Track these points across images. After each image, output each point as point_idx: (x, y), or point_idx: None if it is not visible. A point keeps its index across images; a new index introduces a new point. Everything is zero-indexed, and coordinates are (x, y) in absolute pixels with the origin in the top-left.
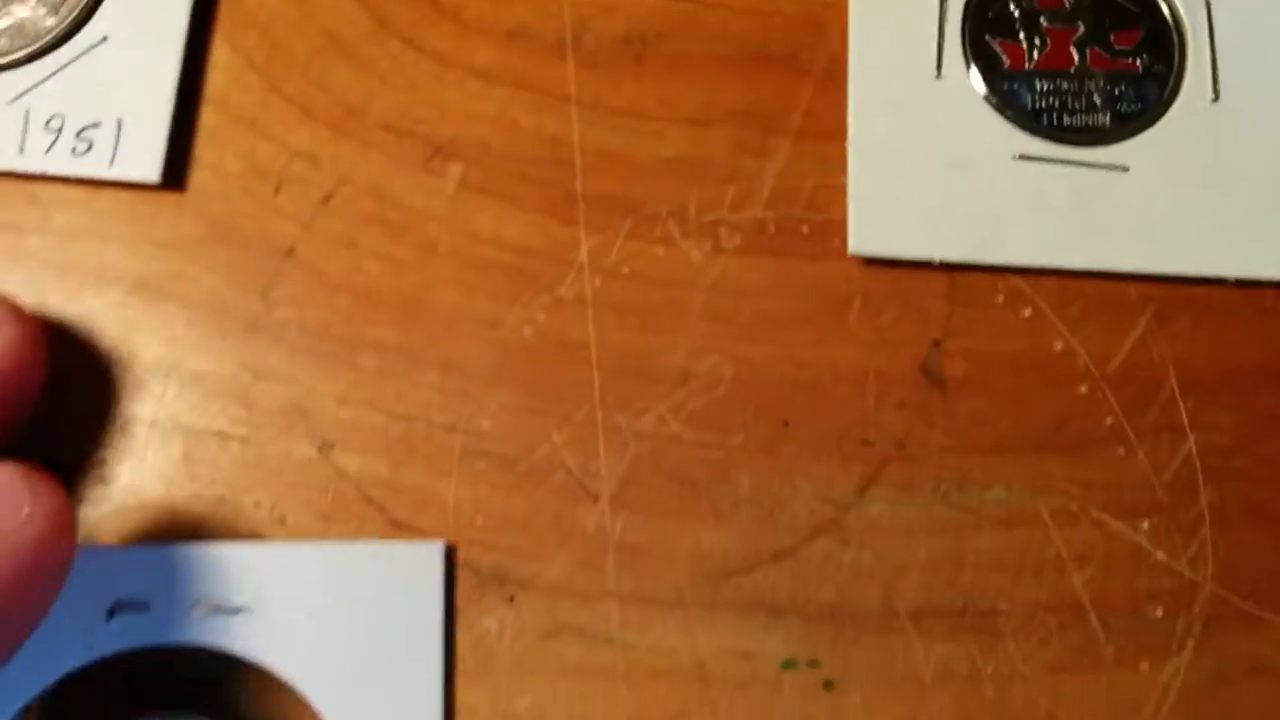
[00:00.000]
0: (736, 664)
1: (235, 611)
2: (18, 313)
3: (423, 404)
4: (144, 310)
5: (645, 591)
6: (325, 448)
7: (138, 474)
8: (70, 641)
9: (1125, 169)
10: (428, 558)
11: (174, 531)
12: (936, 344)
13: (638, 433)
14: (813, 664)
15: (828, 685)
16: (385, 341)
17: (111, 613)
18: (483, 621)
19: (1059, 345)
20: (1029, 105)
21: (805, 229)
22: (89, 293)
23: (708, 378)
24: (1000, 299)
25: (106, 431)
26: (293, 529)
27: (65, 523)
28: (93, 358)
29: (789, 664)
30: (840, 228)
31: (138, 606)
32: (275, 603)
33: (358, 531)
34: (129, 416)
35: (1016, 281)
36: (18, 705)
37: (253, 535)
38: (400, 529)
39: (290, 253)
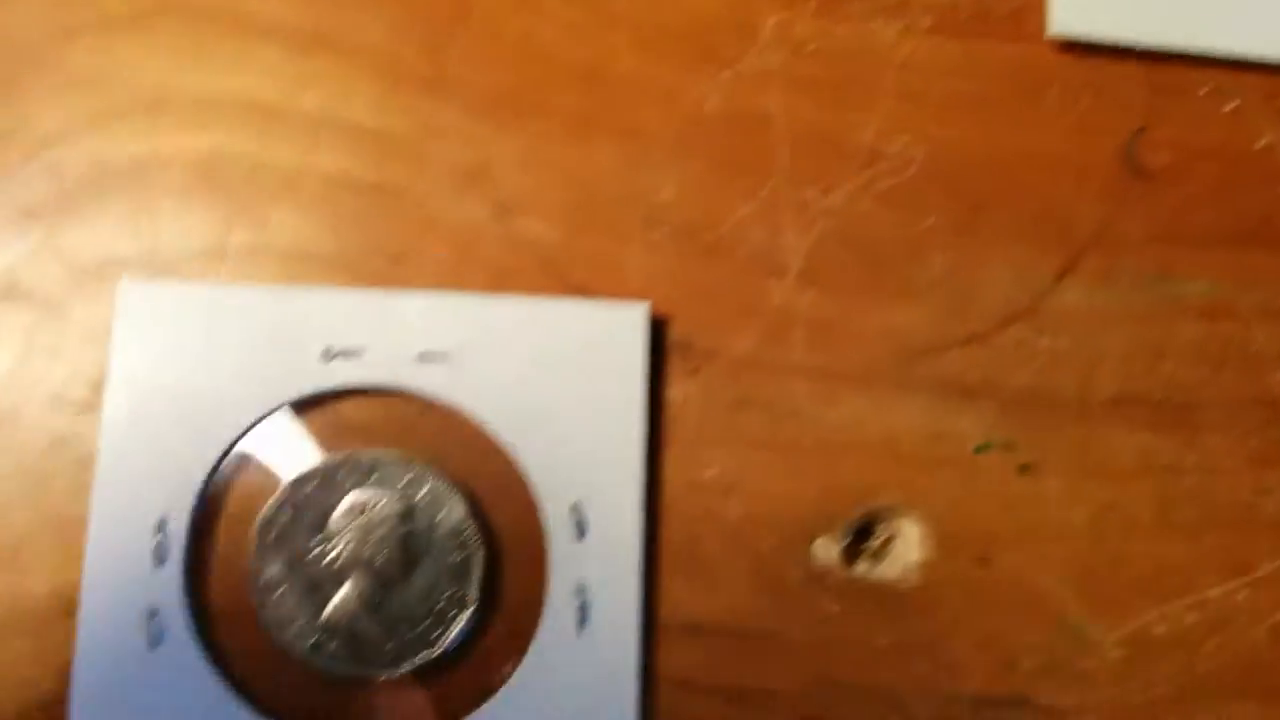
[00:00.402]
0: (929, 443)
1: (442, 359)
2: None
3: (604, 170)
4: (317, 64)
5: (833, 367)
6: (503, 210)
7: (312, 226)
8: (290, 377)
9: None
10: (631, 319)
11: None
12: (1138, 133)
13: (826, 209)
14: (1008, 447)
15: (1024, 469)
16: (564, 107)
17: (328, 356)
18: (666, 392)
19: (1263, 141)
20: None
21: (1001, 10)
22: (261, 44)
23: (899, 158)
24: (1204, 91)
25: (272, 185)
26: (467, 290)
27: None
28: (262, 111)
29: (984, 447)
30: (1037, 11)
31: (352, 352)
32: (476, 352)
33: (535, 295)
34: (300, 169)
35: (1221, 74)
36: (235, 434)
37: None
38: (579, 295)
39: (467, 13)
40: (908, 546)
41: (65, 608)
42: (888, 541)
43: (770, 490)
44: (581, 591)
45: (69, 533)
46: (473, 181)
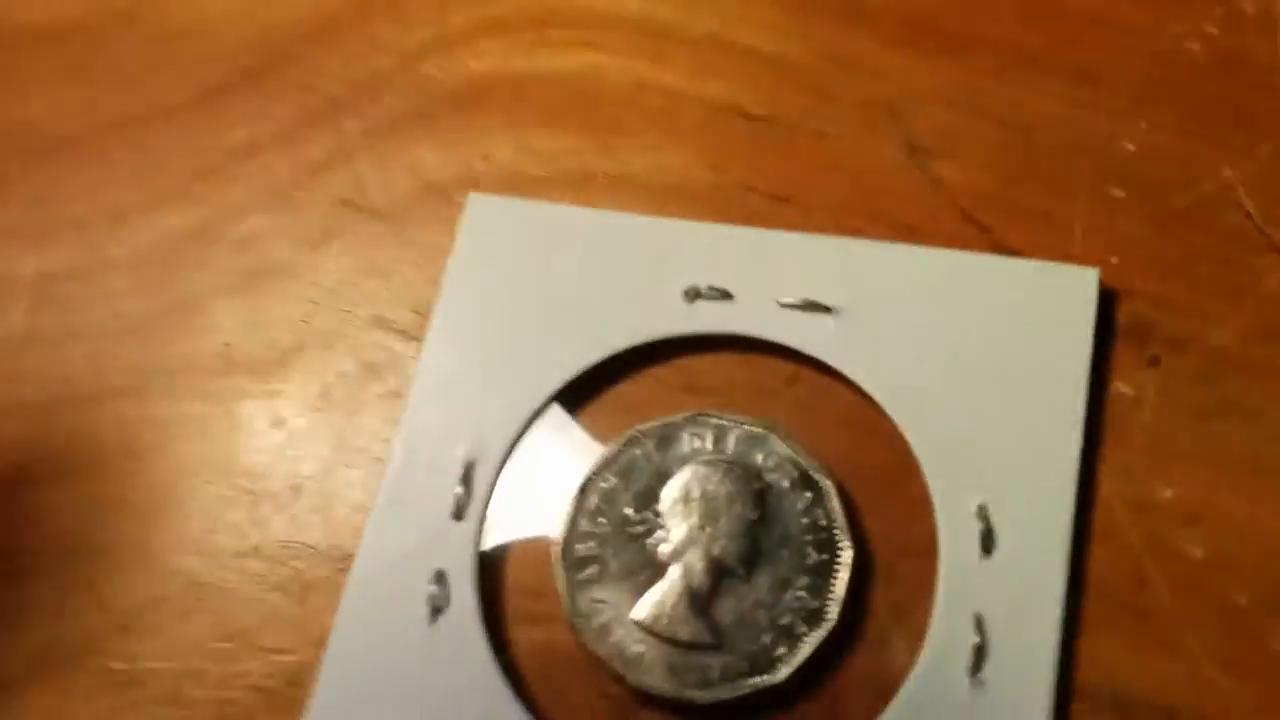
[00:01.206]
0: None
1: (829, 313)
2: None
3: (1047, 115)
4: None
5: None
6: (918, 153)
7: (689, 158)
8: (644, 316)
9: None
10: (1077, 287)
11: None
12: None
13: None
14: None
15: None
16: (1001, 39)
17: (693, 296)
18: (1114, 384)
19: None
20: None
21: None
22: None
23: None
24: None
25: (652, 111)
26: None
27: None
28: (651, 30)
29: None
30: None
31: (722, 293)
32: (872, 307)
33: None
34: (684, 95)
35: None
36: (568, 376)
37: None
38: (1006, 255)
39: None
40: None
41: (335, 561)
42: None
43: (1252, 528)
44: (980, 627)
45: (355, 477)
46: (883, 118)
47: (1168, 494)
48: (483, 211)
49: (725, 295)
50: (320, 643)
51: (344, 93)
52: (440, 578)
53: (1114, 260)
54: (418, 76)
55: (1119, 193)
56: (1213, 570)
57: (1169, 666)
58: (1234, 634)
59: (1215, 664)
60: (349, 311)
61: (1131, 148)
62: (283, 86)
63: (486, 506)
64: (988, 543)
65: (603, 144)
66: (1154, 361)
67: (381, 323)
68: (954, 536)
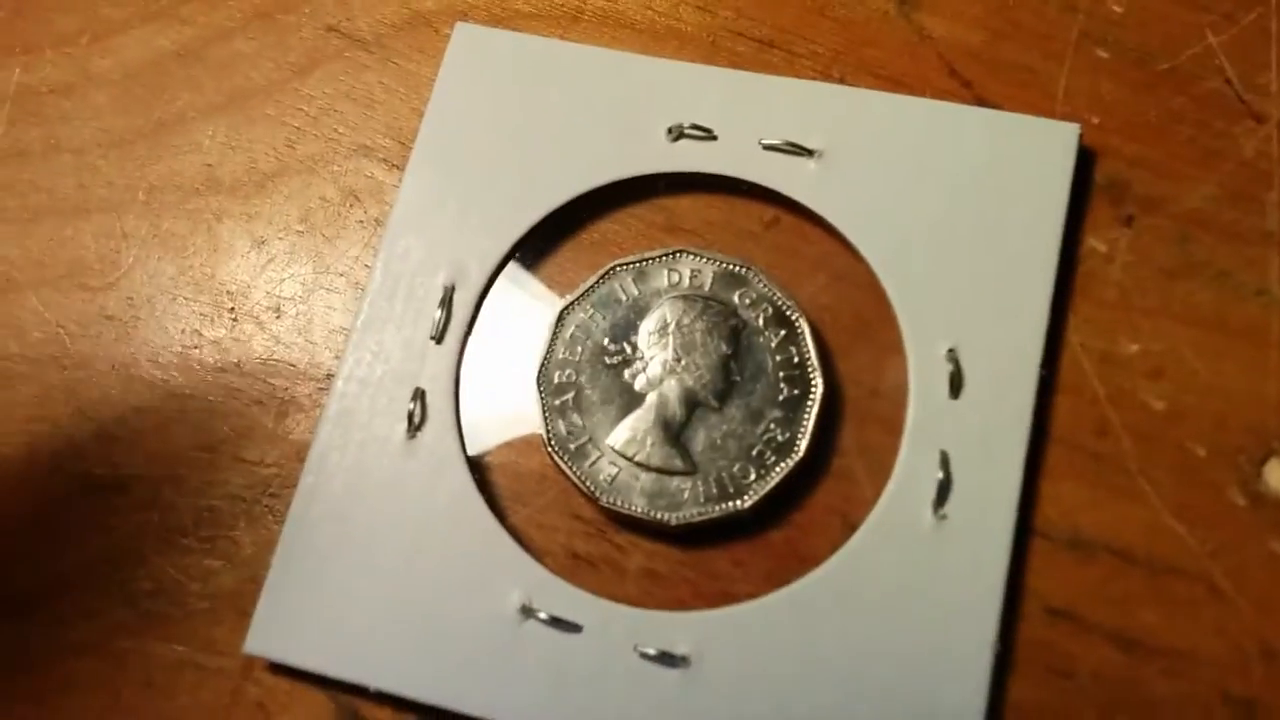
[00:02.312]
0: None
1: (811, 156)
2: None
3: None
4: None
5: None
6: (907, 4)
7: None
8: (626, 152)
9: None
10: (1056, 141)
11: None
12: None
13: None
14: None
15: None
16: None
17: (676, 135)
18: (1088, 240)
19: None
20: None
21: None
22: None
23: None
24: None
25: None
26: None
27: None
28: None
29: None
30: None
31: (704, 133)
32: (854, 153)
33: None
34: None
35: None
36: (549, 208)
37: None
38: (990, 109)
39: None
40: None
41: (315, 380)
42: None
43: (1214, 385)
44: (945, 463)
45: (336, 300)
46: None
47: (1133, 348)
48: (469, 42)
49: (709, 135)
50: (299, 457)
51: None
52: (419, 396)
53: (1095, 120)
54: None
55: (1103, 54)
56: (1173, 422)
57: (1127, 511)
58: (1190, 483)
59: (1171, 511)
60: (332, 139)
61: (1119, 9)
62: None
63: (467, 331)
64: (956, 384)
65: None
66: (1128, 220)
67: (364, 150)
68: (923, 378)
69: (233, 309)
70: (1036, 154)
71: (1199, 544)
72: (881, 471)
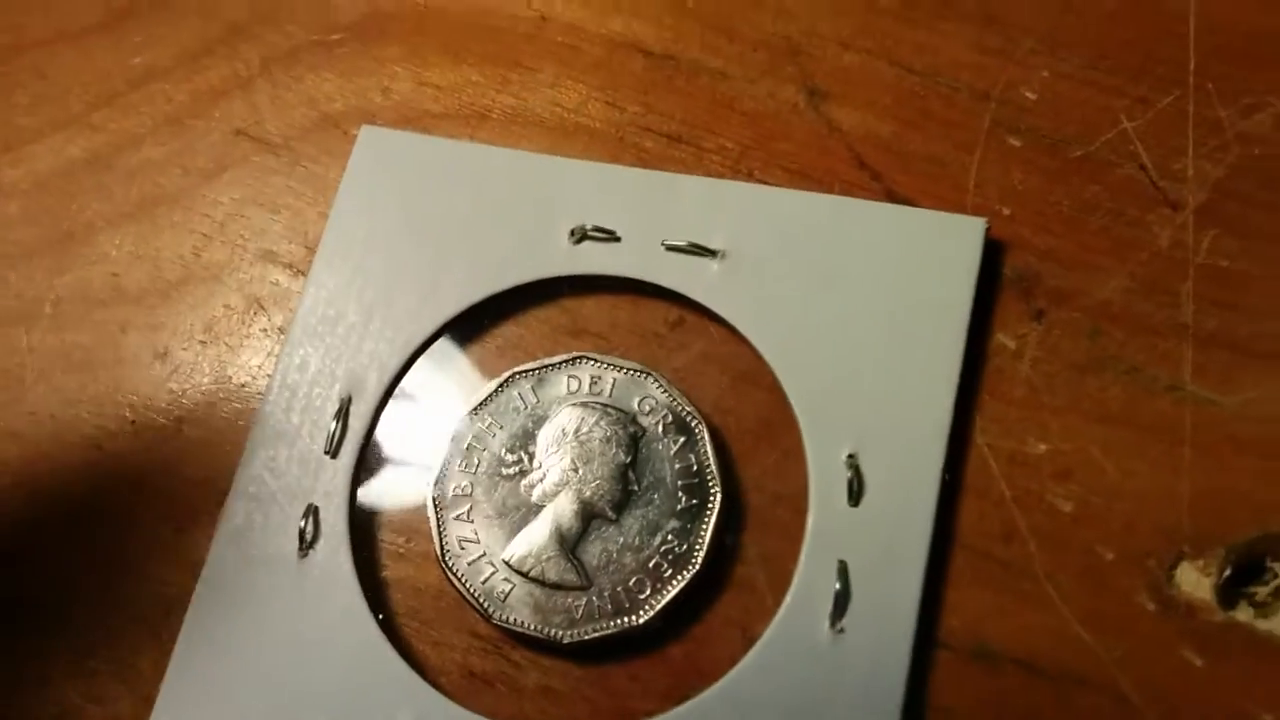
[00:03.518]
0: None
1: (710, 254)
2: None
3: (950, 61)
4: None
5: (1237, 335)
6: (817, 96)
7: (586, 96)
8: (529, 255)
9: None
10: (962, 236)
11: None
12: None
13: (1244, 133)
14: None
15: None
16: None
17: (580, 237)
18: (996, 336)
19: None
20: None
21: None
22: None
23: None
24: None
25: (551, 45)
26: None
27: None
28: None
29: None
30: None
31: (608, 235)
32: (757, 252)
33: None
34: (585, 30)
35: None
36: (450, 314)
37: None
38: (898, 204)
39: None
40: None
41: (215, 495)
42: None
43: (1124, 486)
44: (844, 574)
45: (238, 412)
46: (784, 59)
47: (1042, 448)
48: (375, 144)
49: (612, 236)
50: (196, 575)
51: (246, 18)
52: (311, 512)
53: (1006, 211)
54: (320, 4)
55: (1016, 141)
56: (1081, 525)
57: (1034, 619)
58: (1099, 589)
59: (1079, 618)
60: (238, 245)
61: (1032, 96)
62: (185, 10)
63: (364, 444)
64: (855, 491)
65: (502, 79)
66: (1038, 315)
67: (270, 257)
68: (823, 484)
69: (134, 422)
70: (942, 249)
71: (1106, 652)
72: (782, 581)
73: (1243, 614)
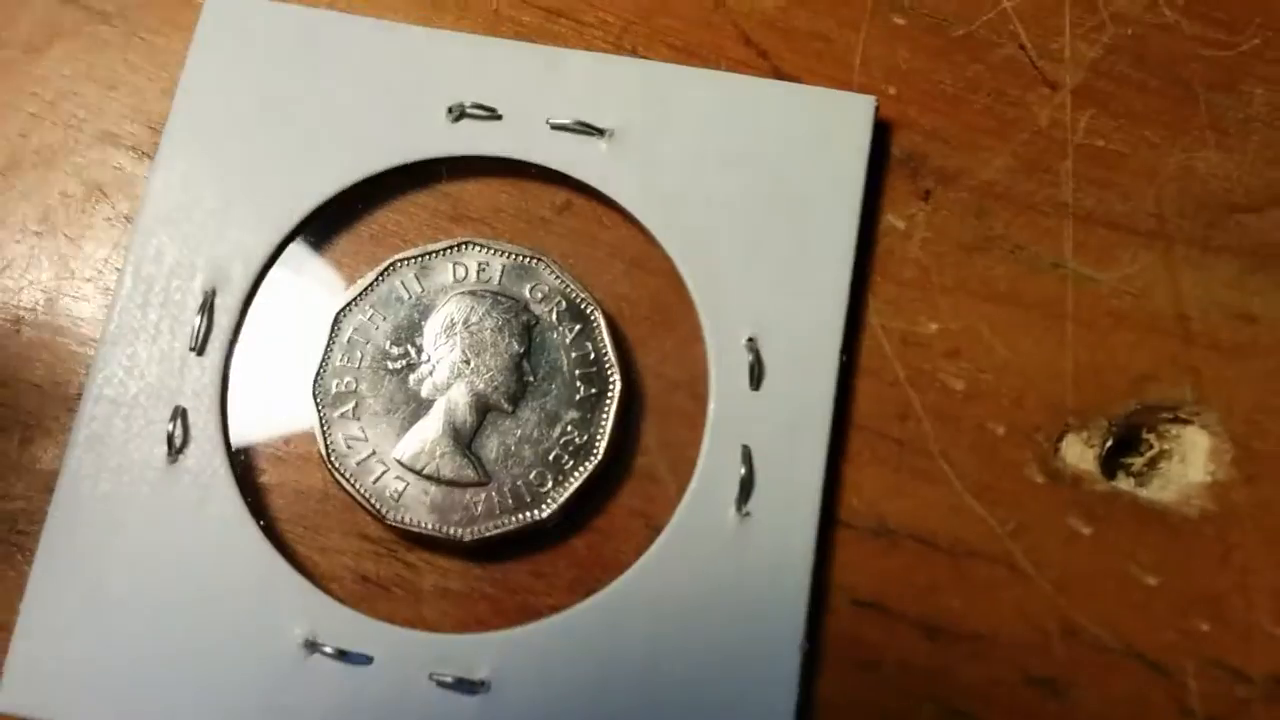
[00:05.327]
0: (1233, 326)
1: (602, 136)
2: None
3: None
4: None
5: (1113, 213)
6: None
7: None
8: (403, 135)
9: None
10: (852, 115)
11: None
12: None
13: (1118, 13)
14: None
15: None
16: None
17: (458, 115)
18: (886, 217)
19: None
20: None
21: None
22: None
23: None
24: None
25: None
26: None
27: None
28: None
29: None
30: None
31: (488, 112)
32: (647, 131)
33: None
34: None
35: None
36: (318, 200)
37: None
38: (785, 82)
39: None
40: (1192, 460)
41: (63, 401)
42: (1163, 453)
43: (1011, 362)
44: (747, 458)
45: (84, 309)
46: None
47: (933, 327)
48: (224, 12)
49: (493, 114)
50: (49, 488)
51: None
52: (179, 414)
53: (891, 90)
54: None
55: (900, 20)
56: (972, 402)
57: (929, 495)
58: (990, 464)
59: (972, 492)
60: (72, 126)
61: None
62: None
63: (232, 340)
64: (756, 375)
65: None
66: (925, 195)
67: (109, 138)
68: (724, 369)
69: None
70: (833, 129)
71: (999, 525)
72: (685, 469)
73: (1124, 483)
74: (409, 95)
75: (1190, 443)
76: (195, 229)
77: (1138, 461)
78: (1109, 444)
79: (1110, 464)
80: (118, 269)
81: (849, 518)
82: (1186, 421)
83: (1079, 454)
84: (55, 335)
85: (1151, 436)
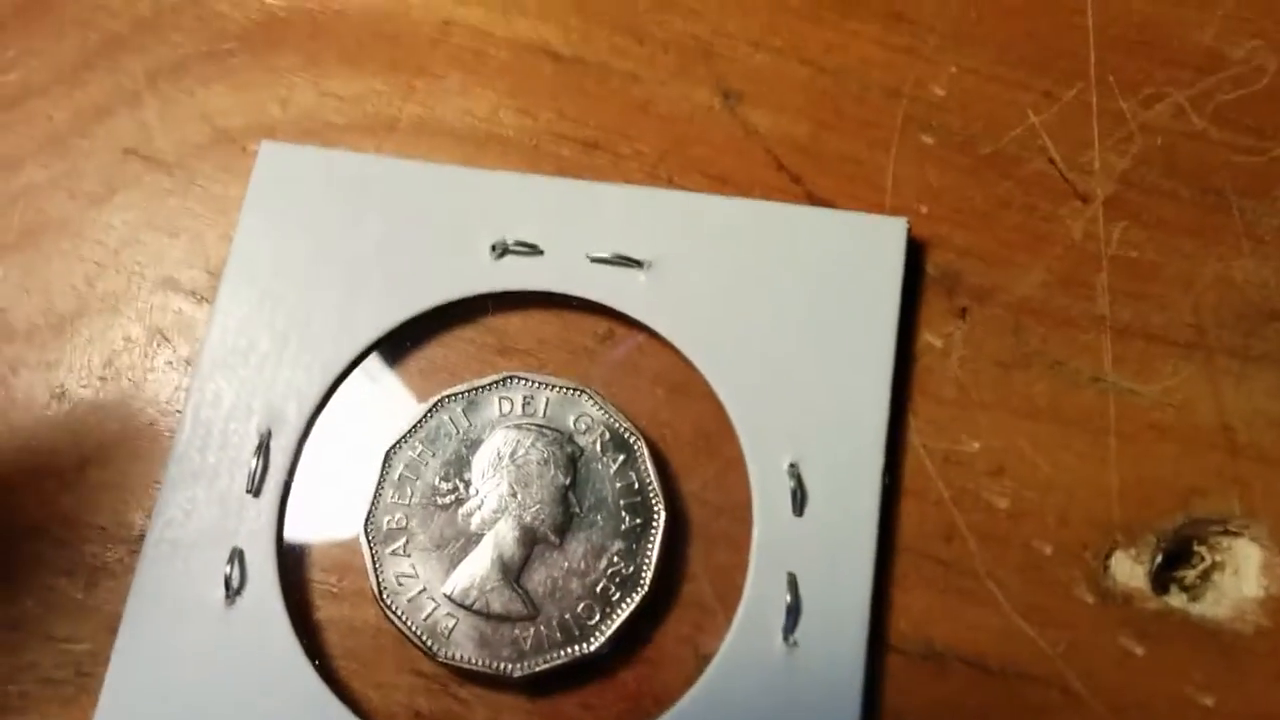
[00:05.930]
0: (1278, 436)
1: (640, 267)
2: None
3: (860, 59)
4: None
5: (1151, 325)
6: (731, 97)
7: (497, 102)
8: (449, 273)
9: None
10: (885, 237)
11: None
12: None
13: (1146, 124)
14: None
15: None
16: None
17: (501, 252)
18: (923, 336)
19: None
20: None
21: None
22: None
23: (1245, 65)
24: None
25: (456, 51)
26: (680, 189)
27: None
28: None
29: None
30: None
31: (530, 248)
32: (683, 261)
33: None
34: (491, 34)
35: None
36: (369, 340)
37: None
38: (818, 205)
39: None
40: (1245, 574)
41: (126, 543)
42: (1214, 567)
43: (1055, 480)
44: (793, 585)
45: (146, 452)
46: (696, 60)
47: (975, 445)
48: (277, 160)
49: (534, 250)
50: (112, 629)
51: (126, 29)
52: (237, 556)
53: (923, 209)
54: (207, 12)
55: (929, 139)
56: (1017, 521)
57: (978, 616)
58: (1038, 583)
59: (1021, 613)
60: (135, 272)
61: (940, 92)
62: (59, 21)
63: (288, 480)
64: (799, 500)
65: (407, 87)
66: (962, 312)
67: (171, 284)
68: (766, 496)
69: (34, 468)
70: (867, 251)
71: (1050, 646)
72: (732, 595)
73: (1175, 599)
74: (454, 234)
75: (1242, 555)
76: (251, 372)
77: (1190, 574)
78: (1158, 560)
79: (1161, 578)
80: (178, 412)
81: (898, 642)
82: (1236, 534)
83: (1128, 571)
84: (118, 478)
85: (1203, 549)
